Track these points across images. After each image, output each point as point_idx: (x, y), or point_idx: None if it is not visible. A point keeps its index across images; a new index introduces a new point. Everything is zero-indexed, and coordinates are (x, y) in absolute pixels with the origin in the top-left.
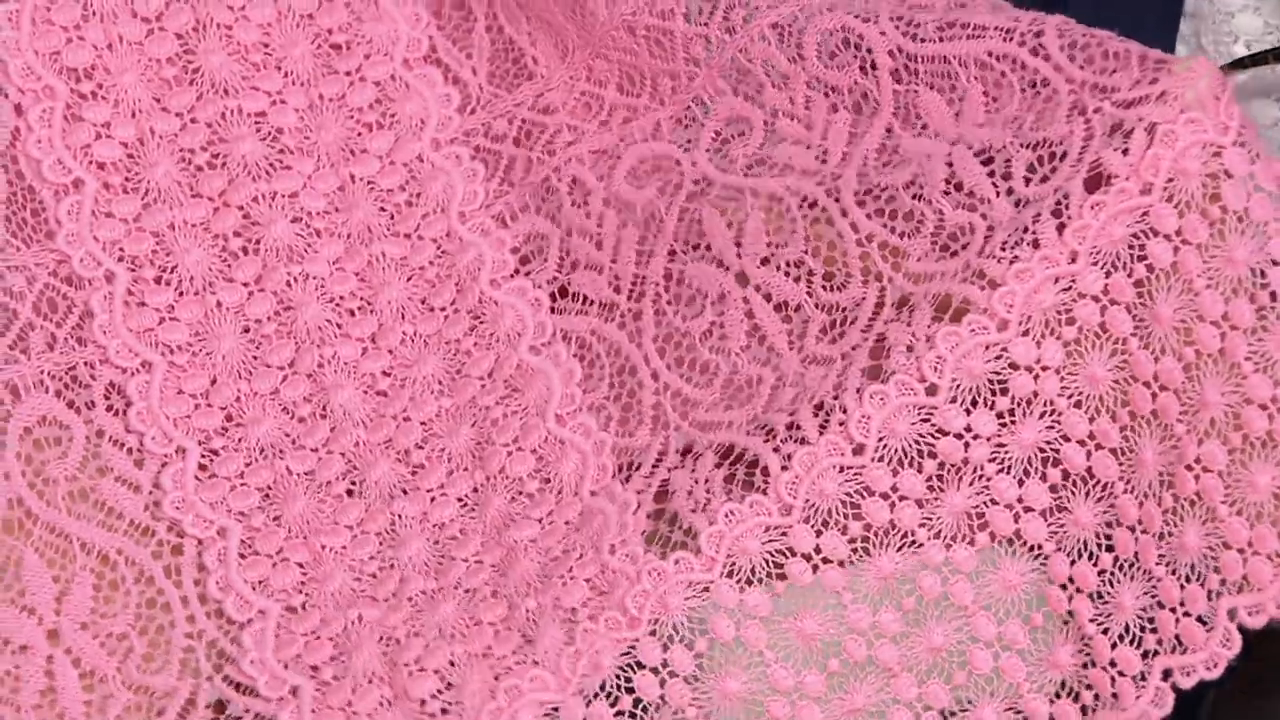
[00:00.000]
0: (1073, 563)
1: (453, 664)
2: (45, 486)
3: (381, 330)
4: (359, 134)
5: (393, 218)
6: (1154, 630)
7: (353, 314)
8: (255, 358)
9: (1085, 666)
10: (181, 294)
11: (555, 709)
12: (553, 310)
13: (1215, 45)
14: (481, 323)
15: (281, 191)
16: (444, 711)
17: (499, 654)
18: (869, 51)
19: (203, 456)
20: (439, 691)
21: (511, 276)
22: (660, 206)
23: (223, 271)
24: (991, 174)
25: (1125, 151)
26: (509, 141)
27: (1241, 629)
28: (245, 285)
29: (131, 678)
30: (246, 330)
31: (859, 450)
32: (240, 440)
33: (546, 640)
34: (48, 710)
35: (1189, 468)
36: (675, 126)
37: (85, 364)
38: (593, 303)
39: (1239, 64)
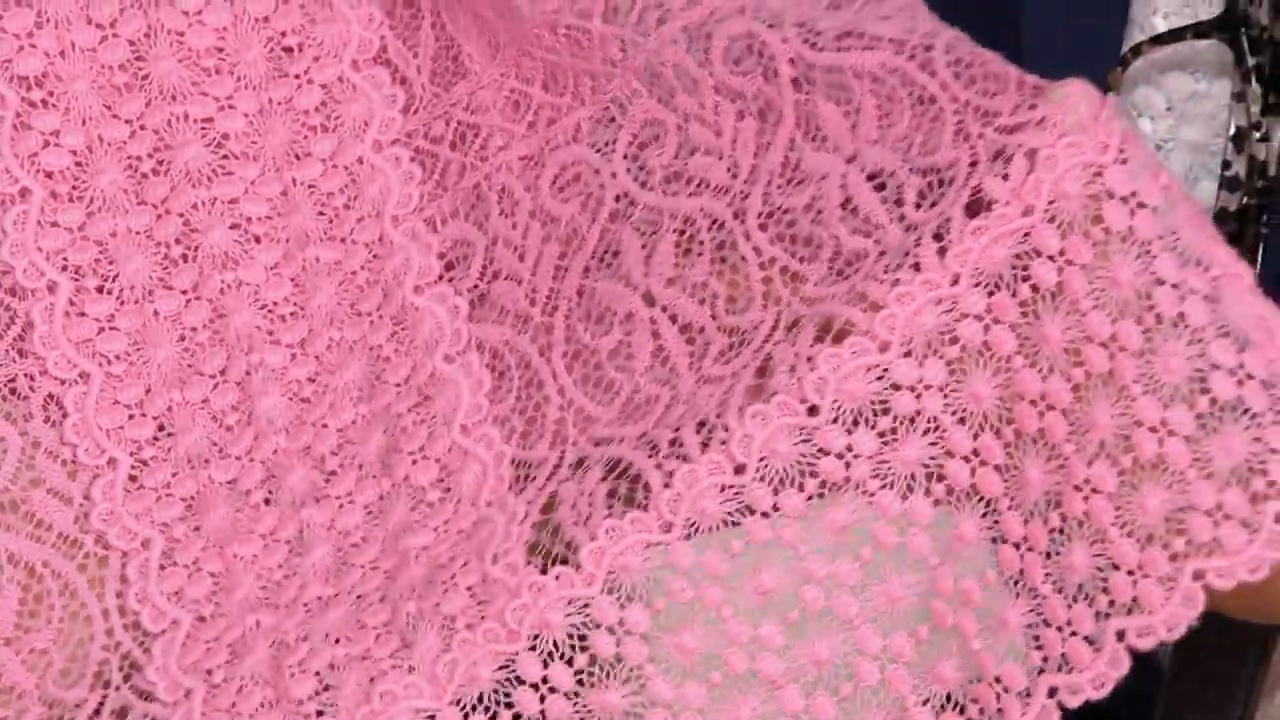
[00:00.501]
0: (957, 579)
1: (333, 666)
2: None
3: (310, 336)
4: (304, 137)
5: (330, 221)
6: (1039, 648)
7: (284, 320)
8: (189, 366)
9: (971, 682)
10: (122, 303)
11: (431, 717)
12: (471, 318)
13: (1142, 16)
14: (403, 329)
15: (222, 198)
16: (319, 713)
17: (377, 656)
18: (771, 59)
19: (133, 467)
20: (317, 692)
21: (435, 282)
22: (583, 224)
23: (162, 279)
24: (884, 200)
25: (1006, 177)
26: (445, 144)
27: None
28: (183, 293)
29: (47, 692)
30: (182, 339)
31: (740, 469)
32: (169, 450)
33: (423, 646)
34: None
35: (1078, 488)
36: (595, 127)
37: (25, 375)
38: (508, 313)
39: (1158, 39)
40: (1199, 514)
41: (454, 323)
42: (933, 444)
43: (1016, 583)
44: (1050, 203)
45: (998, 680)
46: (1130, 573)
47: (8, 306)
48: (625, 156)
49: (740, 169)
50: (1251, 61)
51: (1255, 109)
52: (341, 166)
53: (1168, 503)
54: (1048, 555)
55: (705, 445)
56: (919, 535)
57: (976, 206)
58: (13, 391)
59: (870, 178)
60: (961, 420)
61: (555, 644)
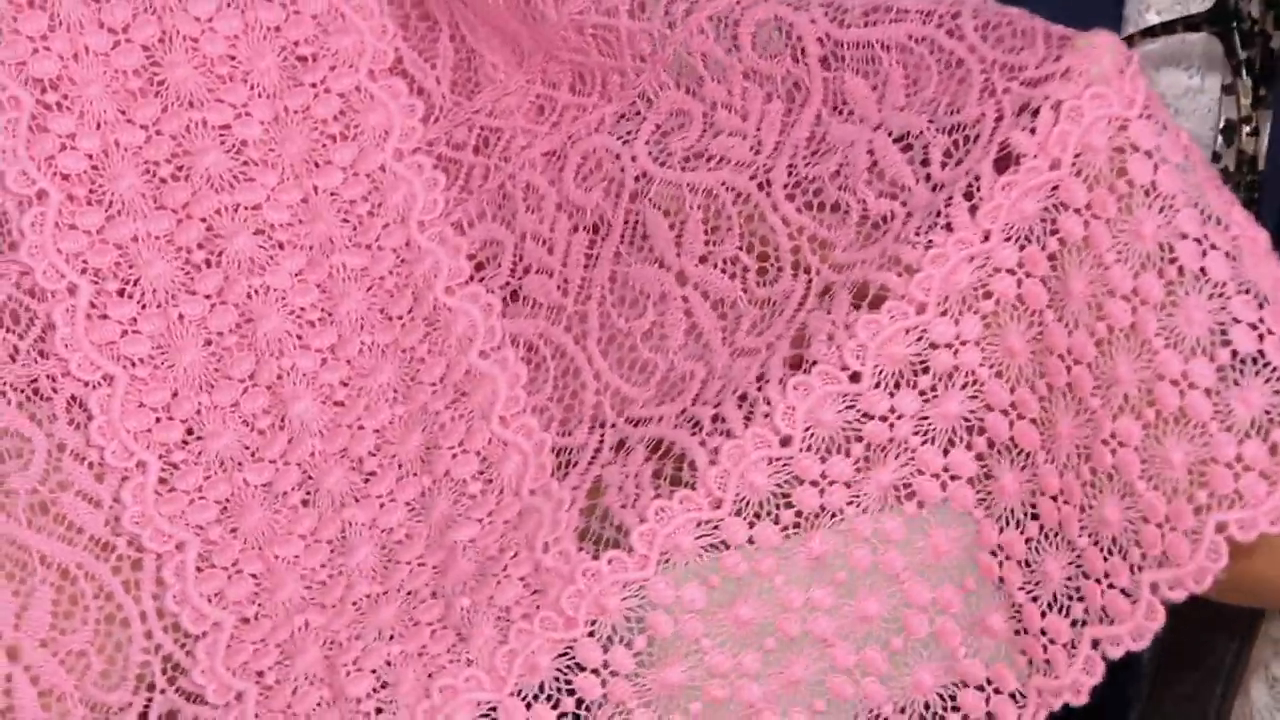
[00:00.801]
0: (1001, 530)
1: (389, 664)
2: (6, 499)
3: (341, 341)
4: (323, 145)
5: (355, 229)
6: (1081, 600)
7: (313, 325)
8: (216, 370)
9: (1018, 634)
10: (144, 307)
11: (493, 709)
12: (504, 314)
13: (1135, 14)
14: (435, 329)
15: (244, 204)
16: (379, 710)
17: (434, 652)
18: (799, 39)
19: (162, 470)
20: (374, 690)
21: (466, 283)
22: (607, 209)
23: (185, 284)
24: (910, 160)
25: (1033, 130)
26: (469, 150)
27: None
28: (207, 298)
29: (89, 695)
30: (208, 343)
31: (786, 441)
32: (200, 454)
33: (480, 639)
34: None
35: (1105, 442)
36: (618, 120)
37: (47, 377)
38: (542, 306)
39: (1149, 32)
40: (1220, 466)
41: (488, 320)
42: (972, 397)
43: (1057, 535)
44: (1077, 155)
45: (1043, 632)
46: (1158, 525)
47: (27, 308)
48: (647, 142)
49: (764, 146)
50: (1242, 55)
51: (1245, 102)
52: (363, 174)
53: (1190, 455)
54: (1082, 508)
55: (749, 420)
56: (961, 487)
57: (1005, 161)
58: (35, 392)
59: (896, 141)
60: (999, 374)
61: (614, 628)
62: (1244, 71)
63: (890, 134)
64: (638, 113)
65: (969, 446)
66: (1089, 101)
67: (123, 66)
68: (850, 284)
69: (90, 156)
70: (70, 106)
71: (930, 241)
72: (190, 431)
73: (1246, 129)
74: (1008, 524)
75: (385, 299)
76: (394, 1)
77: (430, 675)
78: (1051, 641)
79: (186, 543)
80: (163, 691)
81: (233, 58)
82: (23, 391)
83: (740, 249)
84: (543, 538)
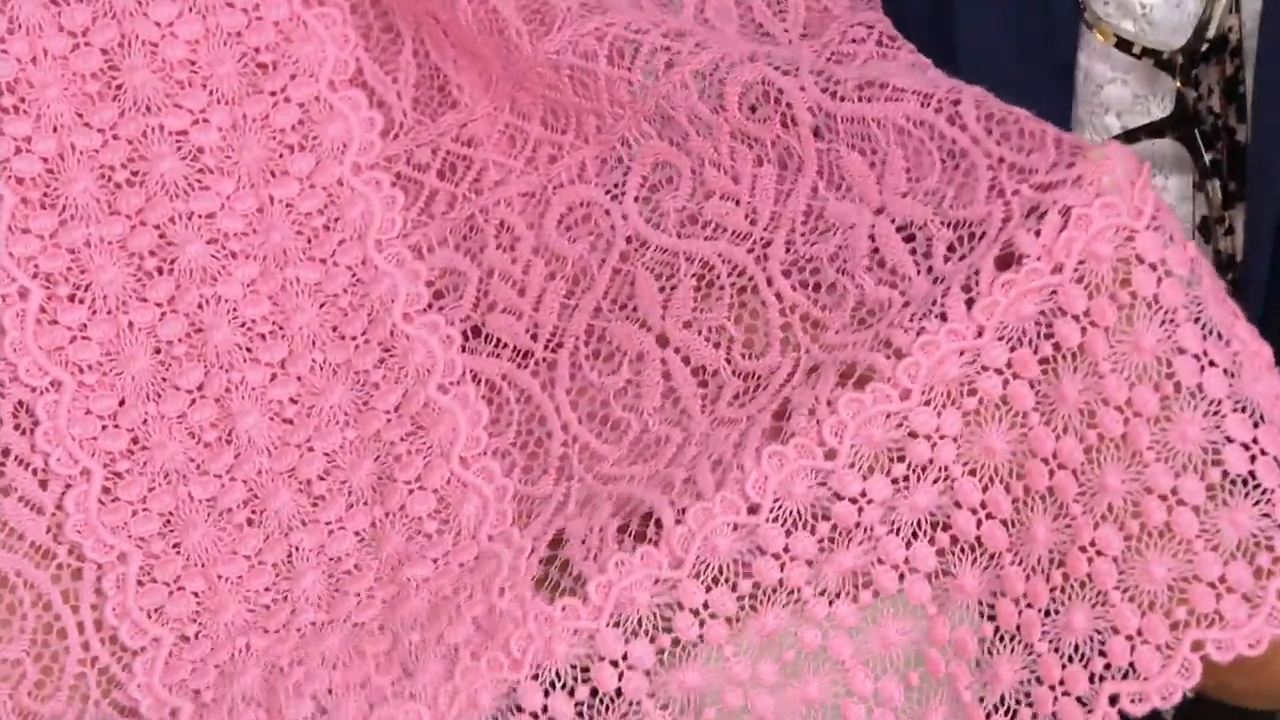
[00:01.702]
0: (953, 628)
1: (330, 691)
2: None
3: (291, 356)
4: (280, 155)
5: (309, 241)
6: (1029, 705)
7: (264, 338)
8: (164, 380)
9: None
10: (94, 312)
11: None
12: (463, 349)
13: (1089, 116)
14: (391, 355)
15: (199, 212)
16: None
17: (377, 684)
18: (789, 106)
19: (106, 479)
20: (313, 716)
21: (425, 310)
22: (592, 264)
23: (136, 291)
24: (913, 251)
25: (1038, 233)
26: (432, 173)
27: None
28: (158, 306)
29: (22, 704)
30: (157, 351)
31: (754, 510)
32: (145, 464)
33: (426, 675)
34: None
35: (1083, 549)
36: (601, 168)
37: None
38: (506, 346)
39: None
40: (1202, 585)
41: (447, 353)
42: (942, 493)
43: (1013, 638)
44: (1080, 262)
45: None
46: (1129, 637)
47: None
48: (637, 199)
49: (760, 215)
50: (1208, 157)
51: (1217, 200)
52: (320, 187)
53: (1172, 571)
54: (1047, 613)
55: (720, 484)
56: (918, 581)
57: (1006, 260)
58: None
59: (899, 229)
60: (972, 472)
61: (557, 674)
62: (1211, 173)
63: (893, 221)
64: (620, 160)
65: (931, 541)
66: (1098, 210)
67: (81, 70)
68: (838, 362)
69: (45, 160)
70: (28, 110)
71: (922, 329)
72: (136, 441)
73: (1221, 229)
74: (960, 622)
75: (338, 316)
76: (357, 12)
77: (371, 706)
78: None
79: (128, 554)
80: (96, 703)
81: (193, 63)
82: None
83: (729, 319)
84: (499, 582)
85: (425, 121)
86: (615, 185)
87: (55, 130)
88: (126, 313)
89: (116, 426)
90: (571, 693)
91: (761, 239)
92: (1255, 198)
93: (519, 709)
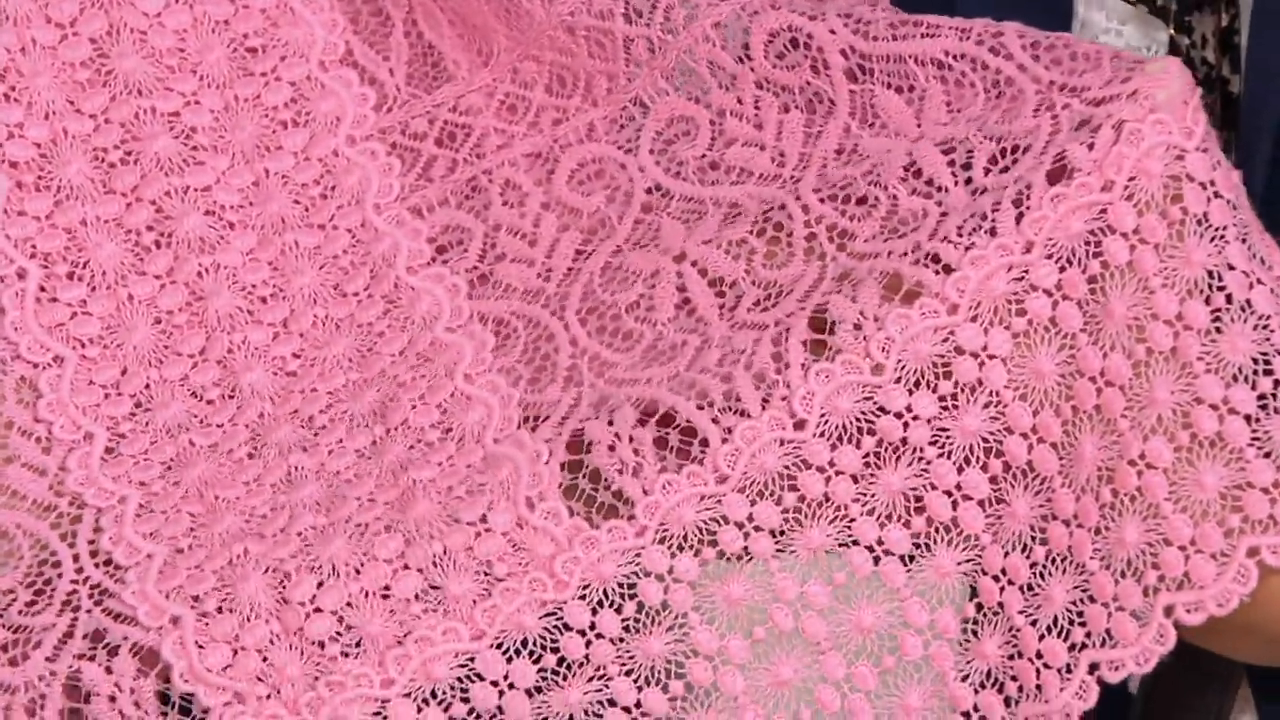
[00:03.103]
0: (1006, 554)
1: (350, 605)
2: None
3: (293, 315)
4: (274, 131)
5: (307, 210)
6: (1083, 624)
7: (264, 301)
8: (166, 347)
9: (1012, 658)
10: (94, 289)
11: (471, 658)
12: (470, 296)
13: None
14: (396, 306)
15: (194, 186)
16: (345, 655)
17: (400, 595)
18: (819, 50)
19: (110, 440)
20: (338, 634)
21: (428, 264)
22: (611, 215)
23: (135, 265)
24: (951, 163)
25: (1091, 146)
26: (429, 141)
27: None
28: (157, 278)
29: (12, 620)
30: (158, 321)
31: (800, 425)
32: (147, 424)
33: (458, 589)
34: None
35: (1132, 463)
36: (611, 127)
37: None
38: (516, 290)
39: None
40: (1255, 491)
41: (454, 300)
42: (994, 418)
43: (1064, 559)
44: (1130, 179)
45: (1038, 656)
46: (1183, 548)
47: None
48: (652, 151)
49: (788, 158)
50: None
51: None
52: (315, 159)
53: (1224, 479)
54: (1096, 531)
55: (766, 402)
56: (971, 509)
57: (1056, 174)
58: None
59: (938, 144)
60: (1023, 397)
61: (605, 593)
62: None
63: (934, 142)
64: (632, 119)
65: (984, 468)
66: (1150, 126)
67: (71, 59)
68: (879, 273)
69: (39, 145)
70: (18, 98)
71: (971, 243)
72: (139, 405)
73: None
74: (1013, 549)
75: (339, 275)
76: None
77: (400, 623)
78: (1046, 666)
79: (128, 496)
80: (88, 612)
81: (182, 50)
82: None
83: (750, 232)
84: (523, 491)
85: (420, 95)
86: (628, 141)
87: (47, 116)
88: (126, 286)
89: (119, 394)
90: (619, 609)
91: (792, 176)
92: (1247, 148)
93: (566, 627)
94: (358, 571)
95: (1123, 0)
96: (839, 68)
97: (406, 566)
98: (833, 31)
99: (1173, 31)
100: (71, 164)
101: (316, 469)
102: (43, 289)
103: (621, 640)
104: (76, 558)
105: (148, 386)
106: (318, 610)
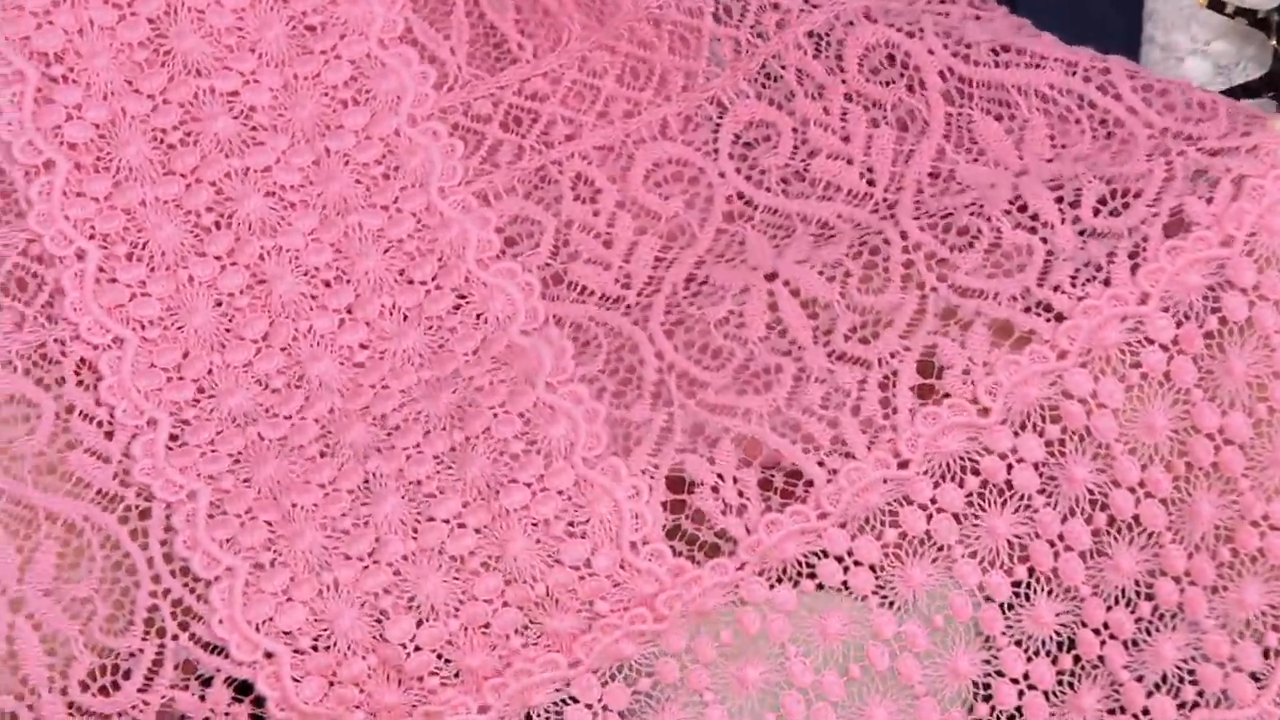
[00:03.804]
0: (1109, 608)
1: (450, 642)
2: (11, 463)
3: (359, 301)
4: (334, 110)
5: (369, 190)
6: (1194, 683)
7: (328, 285)
8: (228, 330)
9: (1113, 712)
10: (153, 270)
11: (567, 684)
12: (543, 296)
13: None
14: (468, 302)
15: (254, 167)
16: (444, 685)
17: (499, 631)
18: (916, 70)
19: (174, 427)
20: (436, 668)
21: (498, 257)
22: (692, 223)
23: (195, 246)
24: (1059, 200)
25: (1210, 200)
26: (494, 124)
27: None
28: (218, 259)
29: (94, 639)
30: (219, 304)
31: (904, 464)
32: (212, 411)
33: (558, 625)
34: (9, 676)
35: (1254, 524)
36: (686, 125)
37: (55, 341)
38: (593, 294)
39: None
40: None
41: (528, 300)
42: (1100, 470)
43: (1174, 616)
44: (1251, 235)
45: (1145, 713)
46: None
47: (35, 274)
48: (731, 156)
49: (878, 175)
50: None
51: None
52: (377, 138)
53: None
54: (1213, 590)
55: (872, 445)
56: (1072, 560)
57: (1172, 226)
58: (44, 357)
59: (1045, 182)
60: (1132, 450)
61: (699, 626)
62: None
63: (1039, 175)
64: (708, 118)
65: (1088, 520)
66: (1272, 182)
67: (129, 39)
68: (990, 320)
69: (97, 126)
70: (76, 79)
71: (1085, 294)
72: (202, 390)
73: None
74: (1116, 602)
75: (405, 261)
76: None
77: (500, 656)
78: None
79: (198, 491)
80: (175, 638)
81: (240, 29)
82: (29, 358)
83: (846, 255)
84: (628, 535)
85: (482, 75)
86: (705, 143)
87: (106, 97)
88: (186, 268)
89: (181, 378)
90: (715, 637)
91: (885, 199)
92: None
93: (663, 653)
94: (456, 611)
95: (1215, 13)
96: (936, 88)
97: (506, 604)
98: (931, 51)
99: (1276, 43)
100: (130, 145)
101: (395, 475)
102: (101, 270)
103: (716, 665)
104: (151, 562)
105: (210, 371)
106: (417, 649)
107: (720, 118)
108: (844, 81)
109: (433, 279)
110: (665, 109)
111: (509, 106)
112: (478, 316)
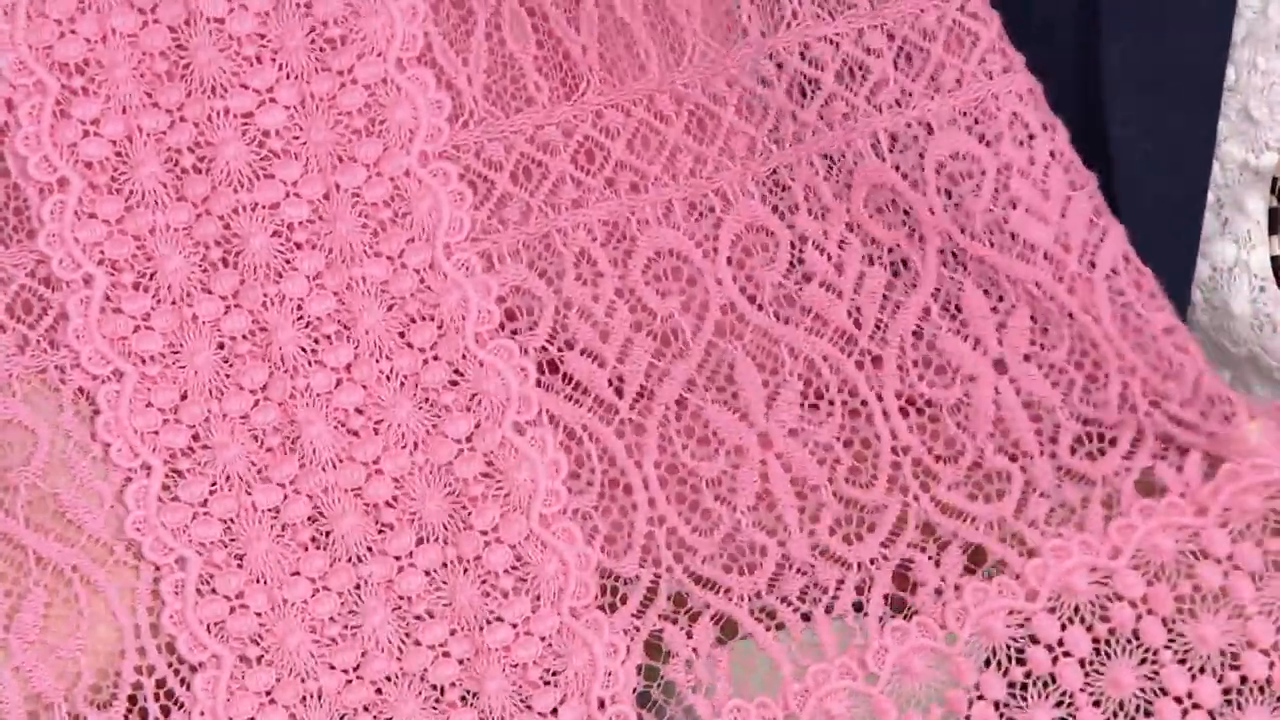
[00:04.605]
0: None
1: None
2: (4, 494)
3: (357, 361)
4: (348, 140)
5: (375, 235)
6: None
7: (329, 339)
8: (227, 377)
9: None
10: (158, 301)
11: None
12: (538, 383)
13: (1271, 113)
14: (464, 379)
15: (263, 203)
16: None
17: None
18: (918, 223)
19: (167, 477)
20: None
21: (497, 331)
22: (684, 328)
23: (201, 282)
24: (1039, 433)
25: (1180, 469)
26: (505, 174)
27: None
28: (222, 299)
29: (77, 709)
30: (221, 347)
31: (872, 679)
32: (206, 464)
33: None
34: None
35: None
36: (689, 213)
37: (56, 367)
38: (587, 394)
39: None
40: None
41: (522, 386)
42: (1064, 718)
43: None
44: (1225, 509)
45: None
46: None
47: (41, 297)
48: (730, 261)
49: (865, 319)
50: None
51: None
52: (387, 176)
53: None
54: None
55: (841, 648)
56: None
57: (1141, 485)
58: (43, 383)
59: (1025, 405)
60: (1097, 704)
61: None
62: None
63: (1018, 390)
64: (712, 209)
65: None
66: (1249, 470)
67: (150, 48)
68: (963, 542)
69: (114, 143)
70: (96, 91)
71: (1058, 534)
72: (196, 438)
73: None
74: None
75: (405, 323)
76: None
77: None
78: None
79: (187, 560)
80: None
81: (262, 35)
82: (29, 383)
83: (837, 439)
84: (598, 691)
85: (497, 114)
86: (706, 238)
87: (124, 111)
88: (191, 304)
89: (178, 422)
90: None
91: (869, 351)
92: None
93: None
94: None
95: None
96: (934, 247)
97: None
98: (931, 211)
99: None
100: (144, 165)
101: (385, 584)
102: (107, 298)
103: None
104: (138, 631)
105: (207, 419)
106: None
107: (723, 212)
108: (849, 210)
109: (430, 347)
110: (671, 190)
111: (520, 155)
112: (472, 397)
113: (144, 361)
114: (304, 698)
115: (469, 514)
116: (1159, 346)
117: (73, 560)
